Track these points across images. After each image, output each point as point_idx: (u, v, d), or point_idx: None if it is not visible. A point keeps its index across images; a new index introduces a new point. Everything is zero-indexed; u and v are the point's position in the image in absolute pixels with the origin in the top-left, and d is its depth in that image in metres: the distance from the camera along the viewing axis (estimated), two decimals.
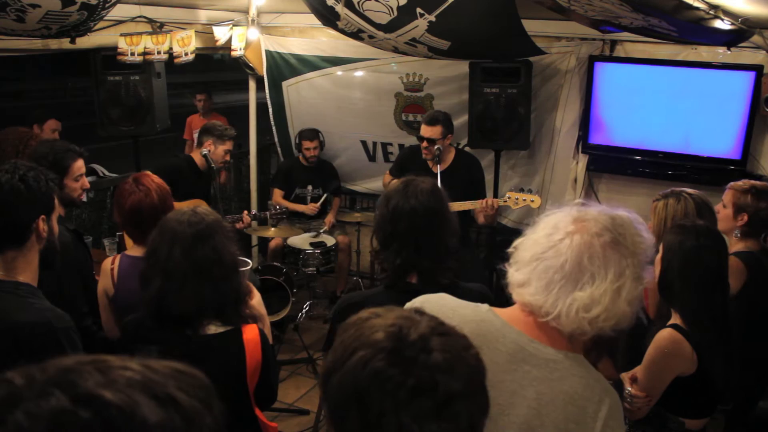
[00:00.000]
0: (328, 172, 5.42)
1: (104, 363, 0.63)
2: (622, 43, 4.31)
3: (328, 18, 3.82)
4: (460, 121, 4.67)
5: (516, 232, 1.42)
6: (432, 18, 3.38)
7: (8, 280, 1.72)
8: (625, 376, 2.11)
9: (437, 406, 0.85)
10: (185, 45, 4.40)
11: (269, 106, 5.66)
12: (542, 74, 4.55)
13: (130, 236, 2.55)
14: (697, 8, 2.67)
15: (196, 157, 4.05)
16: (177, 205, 2.52)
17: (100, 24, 3.51)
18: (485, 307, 1.35)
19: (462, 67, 4.66)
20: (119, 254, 2.49)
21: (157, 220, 2.27)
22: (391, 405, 0.84)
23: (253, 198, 5.98)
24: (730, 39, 3.23)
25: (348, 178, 5.66)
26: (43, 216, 1.76)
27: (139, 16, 4.20)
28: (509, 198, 3.91)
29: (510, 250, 1.34)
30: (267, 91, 5.60)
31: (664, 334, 2.05)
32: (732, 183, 2.81)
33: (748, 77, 3.86)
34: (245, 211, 4.31)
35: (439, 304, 1.35)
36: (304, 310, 4.91)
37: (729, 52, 3.78)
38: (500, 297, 1.45)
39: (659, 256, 2.12)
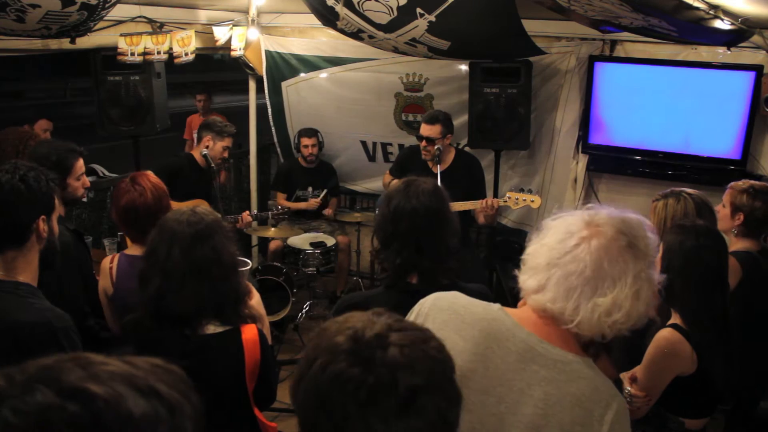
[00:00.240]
0: (328, 173, 5.42)
1: (84, 359, 0.64)
2: (622, 43, 4.31)
3: (328, 18, 3.83)
4: (460, 121, 4.67)
5: (516, 233, 1.42)
6: (432, 18, 3.38)
7: (8, 280, 1.72)
8: (625, 376, 2.11)
9: (401, 403, 0.84)
10: (185, 45, 4.40)
11: (268, 106, 5.66)
12: (542, 74, 4.55)
13: (127, 235, 2.56)
14: (697, 8, 2.67)
15: (197, 155, 4.06)
16: (178, 205, 2.53)
17: (100, 24, 3.51)
18: (496, 306, 1.35)
19: (462, 67, 4.66)
20: (118, 253, 2.50)
21: (151, 219, 2.28)
22: (354, 407, 0.83)
23: (253, 198, 5.98)
24: (730, 39, 3.23)
25: (348, 178, 5.66)
26: (43, 216, 1.76)
27: (139, 16, 4.20)
28: (509, 198, 3.91)
29: (523, 257, 1.33)
30: (266, 91, 5.60)
31: (664, 334, 2.05)
32: (732, 183, 2.81)
33: (748, 77, 3.86)
34: (246, 212, 4.31)
35: (450, 301, 1.36)
36: (304, 310, 4.91)
37: (729, 52, 3.78)
38: (500, 297, 1.45)
39: (659, 256, 2.12)
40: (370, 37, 3.80)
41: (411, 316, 1.38)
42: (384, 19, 3.49)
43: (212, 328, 1.85)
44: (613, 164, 4.52)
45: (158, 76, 4.36)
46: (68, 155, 2.52)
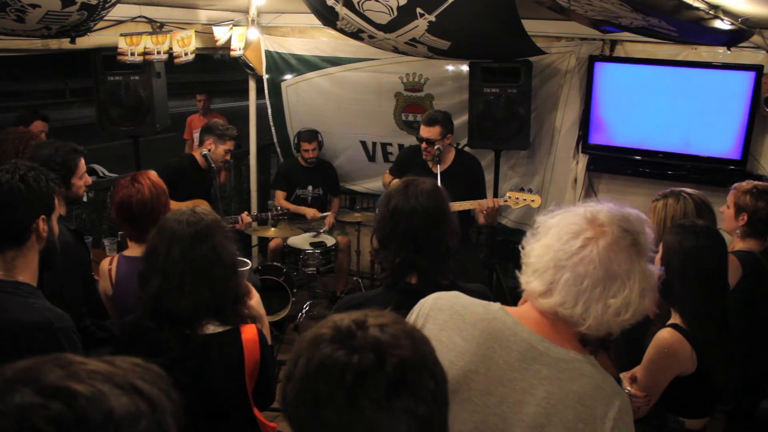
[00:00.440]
0: (328, 172, 5.42)
1: (64, 359, 0.64)
2: (622, 43, 4.31)
3: (328, 18, 3.83)
4: (460, 121, 4.67)
5: (516, 232, 1.42)
6: (432, 18, 3.38)
7: (8, 280, 1.72)
8: (625, 376, 2.11)
9: (390, 382, 0.82)
10: (185, 45, 4.40)
11: (268, 106, 5.66)
12: (542, 74, 4.55)
13: (126, 233, 2.58)
14: (697, 8, 2.67)
15: (198, 156, 4.07)
16: (178, 204, 2.53)
17: (100, 24, 3.51)
18: (497, 305, 1.35)
19: (462, 67, 4.66)
20: (117, 254, 2.50)
21: (148, 216, 2.29)
22: (342, 395, 0.81)
23: (253, 198, 5.98)
24: (730, 39, 3.23)
25: (348, 178, 5.65)
26: (43, 216, 1.76)
27: (139, 16, 4.20)
28: (509, 198, 3.91)
29: (522, 258, 1.32)
30: (266, 91, 5.60)
31: (664, 334, 2.05)
32: (736, 184, 2.83)
33: (748, 77, 3.86)
34: (245, 212, 4.31)
35: (451, 301, 1.36)
36: (304, 310, 4.91)
37: (729, 52, 3.78)
38: (500, 297, 1.46)
39: (659, 255, 2.11)
40: (370, 37, 3.80)
41: (412, 317, 1.38)
42: (384, 19, 3.49)
43: (212, 328, 1.85)
44: (613, 164, 4.52)
45: (158, 76, 4.36)
46: (72, 155, 2.55)
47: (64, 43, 3.59)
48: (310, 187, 5.30)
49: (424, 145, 4.00)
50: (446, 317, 1.33)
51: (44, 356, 0.64)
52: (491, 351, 1.27)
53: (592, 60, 4.32)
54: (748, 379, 2.60)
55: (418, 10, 3.35)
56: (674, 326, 2.05)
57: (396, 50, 4.00)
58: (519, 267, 1.33)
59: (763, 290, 2.63)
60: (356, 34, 3.86)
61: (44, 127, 4.45)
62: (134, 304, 1.94)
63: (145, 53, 4.13)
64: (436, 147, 3.94)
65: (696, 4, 2.64)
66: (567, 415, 1.21)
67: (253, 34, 5.22)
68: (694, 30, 2.96)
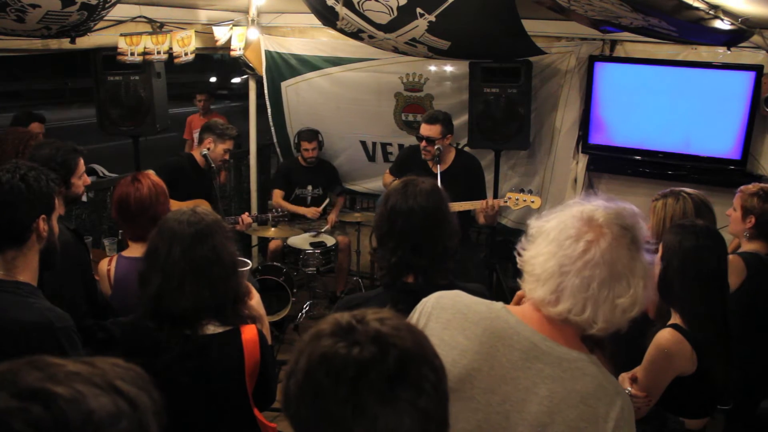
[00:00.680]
0: (329, 172, 5.42)
1: (41, 361, 0.63)
2: (622, 43, 4.31)
3: (328, 18, 3.83)
4: (460, 121, 4.67)
5: (516, 232, 1.43)
6: (432, 18, 3.38)
7: (8, 280, 1.72)
8: (625, 376, 2.11)
9: (391, 375, 0.81)
10: (185, 45, 4.40)
11: (268, 106, 5.66)
12: (542, 74, 4.55)
13: (125, 232, 2.59)
14: (697, 8, 2.67)
15: (197, 155, 4.07)
16: (179, 204, 2.54)
17: (100, 24, 3.52)
18: (499, 304, 1.36)
19: (462, 67, 4.66)
20: (116, 255, 2.51)
21: (144, 214, 2.30)
22: (344, 389, 0.81)
23: (253, 198, 5.98)
24: (730, 39, 3.24)
25: (347, 178, 5.65)
26: (43, 216, 1.76)
27: (139, 16, 4.20)
28: (509, 198, 3.91)
29: (520, 265, 1.32)
30: (266, 91, 5.60)
31: (664, 334, 2.04)
32: (743, 186, 2.85)
33: (748, 77, 3.86)
34: (246, 213, 4.31)
35: (453, 300, 1.37)
36: (304, 310, 4.91)
37: (729, 52, 3.78)
38: (500, 297, 1.46)
39: (659, 255, 2.11)
40: (370, 37, 3.80)
41: (414, 316, 1.38)
42: (384, 19, 3.49)
43: (212, 329, 1.85)
44: (613, 164, 4.52)
45: (158, 76, 4.36)
46: (72, 155, 2.55)
47: (64, 43, 3.59)
48: (309, 187, 5.30)
49: (424, 144, 4.00)
50: (449, 316, 1.33)
51: (21, 359, 0.63)
52: (494, 350, 1.27)
53: (592, 60, 4.32)
54: (748, 379, 2.60)
55: (418, 10, 3.35)
56: (674, 326, 2.05)
57: (396, 50, 4.00)
58: (519, 267, 1.34)
59: (762, 291, 2.64)
60: (356, 34, 3.86)
61: (41, 129, 4.46)
62: (133, 305, 1.94)
63: (145, 53, 4.13)
64: (436, 147, 3.94)
65: (696, 4, 2.64)
66: (570, 414, 1.21)
67: (253, 34, 5.22)
68: (694, 30, 2.96)
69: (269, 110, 5.67)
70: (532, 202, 3.89)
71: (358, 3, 3.41)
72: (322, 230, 5.12)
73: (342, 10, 3.52)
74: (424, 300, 1.40)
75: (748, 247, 2.76)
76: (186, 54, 4.41)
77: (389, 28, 3.57)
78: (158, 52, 4.19)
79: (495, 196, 4.38)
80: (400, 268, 1.86)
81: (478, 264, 4.53)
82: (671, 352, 2.02)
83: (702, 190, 2.67)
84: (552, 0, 2.93)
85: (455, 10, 3.29)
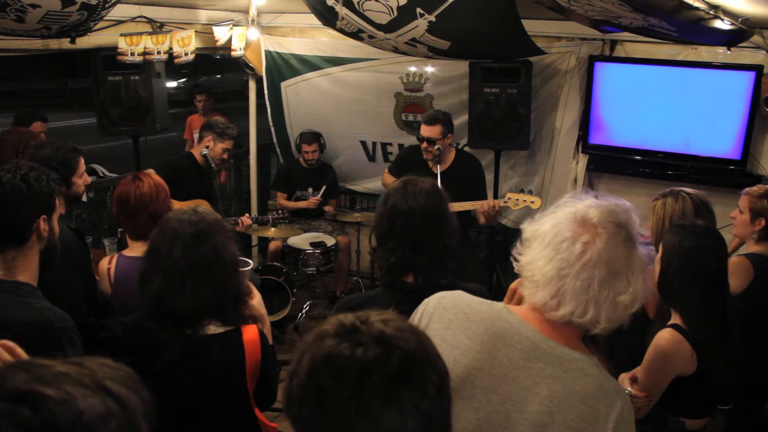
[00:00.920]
0: (328, 174, 5.42)
1: (29, 363, 0.63)
2: (622, 43, 4.31)
3: (328, 18, 3.83)
4: (460, 121, 4.67)
5: (516, 232, 1.43)
6: (432, 18, 3.38)
7: (8, 280, 1.72)
8: (625, 377, 2.11)
9: (394, 376, 0.81)
10: (185, 45, 4.40)
11: (268, 107, 5.66)
12: (542, 74, 4.55)
13: (125, 230, 2.59)
14: (697, 8, 2.67)
15: (197, 154, 4.07)
16: (179, 204, 2.54)
17: (100, 24, 3.51)
18: (501, 304, 1.36)
19: (462, 67, 4.66)
20: (116, 254, 2.51)
21: (143, 210, 2.30)
22: (347, 389, 0.81)
23: (253, 198, 5.97)
24: (730, 39, 3.24)
25: (347, 178, 5.65)
26: (43, 216, 1.76)
27: (139, 16, 4.20)
28: (509, 199, 3.91)
29: (518, 270, 1.33)
30: (266, 91, 5.60)
31: (664, 334, 2.05)
32: (747, 188, 2.85)
33: (748, 77, 3.86)
34: (246, 215, 4.31)
35: (455, 300, 1.37)
36: (304, 310, 4.91)
37: (729, 52, 3.78)
38: (500, 297, 1.46)
39: (659, 255, 2.12)
40: (370, 37, 3.80)
41: (416, 316, 1.39)
42: (384, 19, 3.49)
43: (213, 329, 1.85)
44: (613, 164, 4.52)
45: (158, 76, 4.36)
46: (72, 154, 2.56)
47: (64, 43, 3.59)
48: (310, 189, 5.30)
49: (424, 144, 4.00)
50: (451, 316, 1.33)
51: (10, 363, 0.63)
52: (495, 349, 1.27)
53: (592, 60, 4.32)
54: (748, 379, 2.60)
55: (418, 10, 3.35)
56: (674, 326, 2.05)
57: (396, 50, 4.00)
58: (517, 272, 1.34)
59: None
60: (356, 34, 3.86)
61: (43, 128, 4.46)
62: (133, 304, 1.94)
63: (145, 53, 4.13)
64: (436, 147, 3.94)
65: (696, 4, 2.64)
66: (570, 414, 1.21)
67: (253, 34, 5.22)
68: (694, 30, 2.96)
69: (269, 110, 5.67)
70: (532, 202, 3.89)
71: (358, 3, 3.41)
72: (321, 230, 5.13)
73: (342, 10, 3.52)
74: (426, 300, 1.41)
75: (755, 249, 2.75)
76: (186, 54, 4.41)
77: (389, 28, 3.57)
78: (158, 52, 4.19)
79: (495, 196, 4.38)
80: (400, 268, 1.86)
81: (478, 264, 4.53)
82: (671, 353, 2.02)
83: (702, 190, 2.67)
84: (552, 0, 2.94)
85: (455, 10, 3.29)
